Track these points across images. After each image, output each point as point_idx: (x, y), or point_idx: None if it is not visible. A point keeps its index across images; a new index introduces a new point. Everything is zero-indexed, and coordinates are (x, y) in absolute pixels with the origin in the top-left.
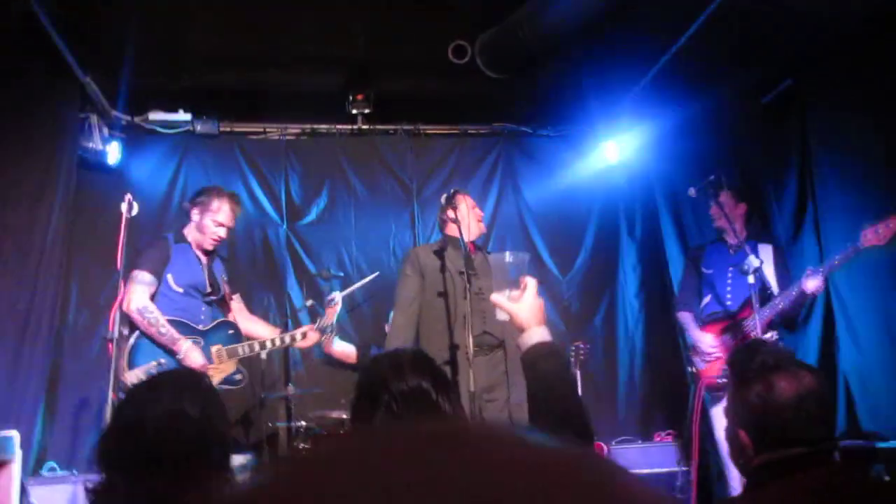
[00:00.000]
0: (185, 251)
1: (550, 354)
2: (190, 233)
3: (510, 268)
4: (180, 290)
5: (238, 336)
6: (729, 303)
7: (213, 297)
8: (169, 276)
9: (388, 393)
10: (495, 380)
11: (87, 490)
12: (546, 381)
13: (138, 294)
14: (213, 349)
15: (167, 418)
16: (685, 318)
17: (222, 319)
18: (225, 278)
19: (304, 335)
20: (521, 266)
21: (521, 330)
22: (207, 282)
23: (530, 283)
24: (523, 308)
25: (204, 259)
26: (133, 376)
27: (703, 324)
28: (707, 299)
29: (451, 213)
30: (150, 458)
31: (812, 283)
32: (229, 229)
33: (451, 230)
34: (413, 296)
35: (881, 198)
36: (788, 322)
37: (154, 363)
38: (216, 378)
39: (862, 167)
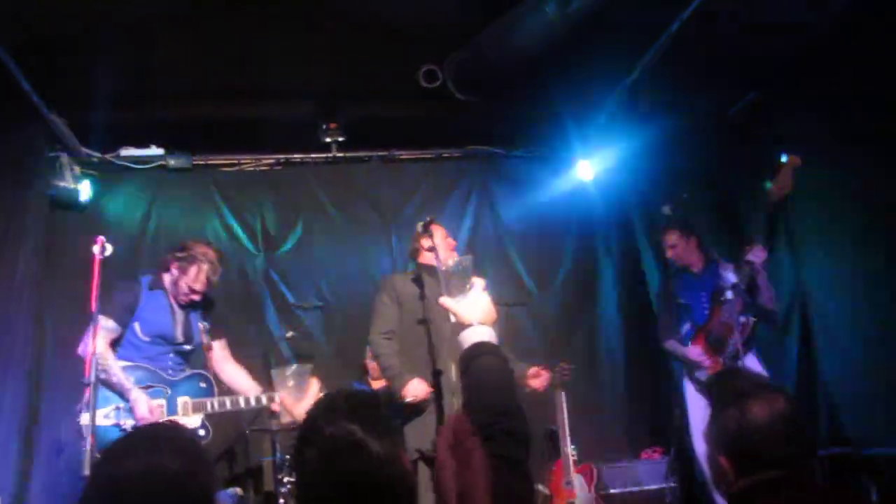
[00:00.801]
0: (158, 298)
1: (487, 353)
2: (167, 283)
3: (455, 273)
4: (147, 338)
5: (209, 390)
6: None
7: (185, 348)
8: (136, 325)
9: (319, 435)
10: None
11: None
12: (480, 379)
13: (98, 339)
14: (181, 401)
15: (146, 474)
16: (671, 345)
17: (196, 371)
18: (206, 326)
19: (274, 400)
20: (466, 270)
21: (464, 327)
22: (179, 332)
23: (477, 282)
24: (467, 306)
25: (179, 308)
26: (87, 419)
27: (686, 345)
28: (686, 326)
29: (426, 242)
30: None
31: (755, 254)
32: (207, 286)
33: (425, 258)
34: (393, 324)
35: (852, 204)
36: (764, 314)
37: (112, 407)
38: None
39: (831, 175)
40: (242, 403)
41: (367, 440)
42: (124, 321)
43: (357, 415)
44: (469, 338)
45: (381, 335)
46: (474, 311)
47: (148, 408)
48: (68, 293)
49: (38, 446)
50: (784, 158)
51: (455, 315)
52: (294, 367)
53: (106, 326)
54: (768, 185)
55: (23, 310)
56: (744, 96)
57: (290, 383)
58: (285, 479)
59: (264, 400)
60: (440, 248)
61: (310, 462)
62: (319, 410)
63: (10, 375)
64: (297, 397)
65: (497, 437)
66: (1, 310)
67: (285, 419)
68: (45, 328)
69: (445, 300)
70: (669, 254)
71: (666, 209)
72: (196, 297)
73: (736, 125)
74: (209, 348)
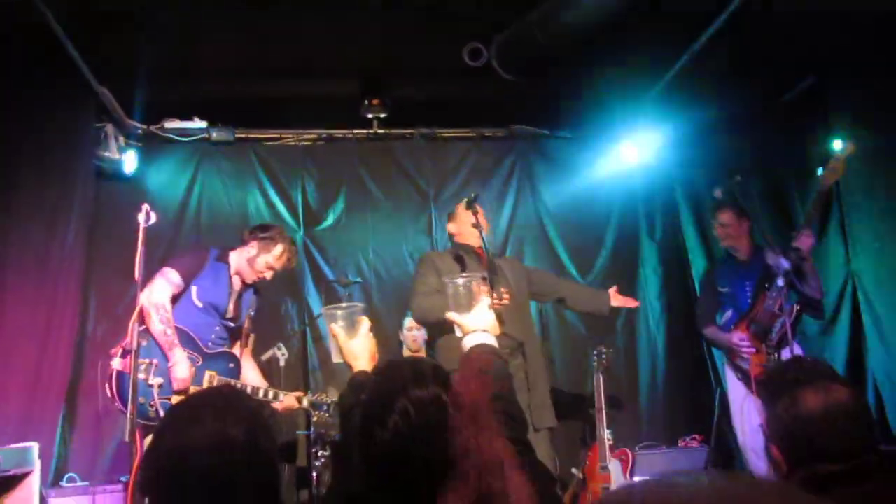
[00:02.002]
0: (220, 270)
1: (488, 353)
2: (235, 258)
3: (463, 290)
4: (200, 304)
5: (236, 372)
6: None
7: (231, 324)
8: (194, 289)
9: (406, 398)
10: (517, 384)
11: None
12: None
13: (162, 290)
14: (207, 374)
15: (211, 442)
16: (710, 331)
17: (229, 351)
18: (251, 313)
19: (278, 398)
20: (473, 290)
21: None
22: (231, 307)
23: (483, 300)
24: (472, 318)
25: (237, 285)
26: (118, 363)
27: (728, 331)
28: (728, 314)
29: (468, 219)
30: (194, 484)
31: (803, 241)
32: (275, 273)
33: (460, 238)
34: (435, 286)
35: None
36: (810, 303)
37: (147, 361)
38: None
39: (888, 165)
40: (261, 395)
41: (450, 407)
42: (188, 281)
43: (443, 383)
44: (471, 342)
45: (422, 295)
46: (478, 323)
47: (189, 371)
48: (111, 263)
49: (79, 412)
50: (838, 145)
51: (460, 327)
52: (344, 305)
53: (171, 279)
54: (820, 171)
55: (72, 279)
56: (800, 81)
57: (341, 323)
58: (319, 454)
59: (271, 395)
60: (478, 225)
61: (396, 420)
62: (406, 372)
63: (59, 344)
64: (349, 335)
65: (500, 420)
66: (51, 279)
67: (336, 359)
68: (89, 297)
69: (451, 314)
70: (719, 231)
71: (717, 192)
72: (268, 277)
73: (790, 111)
74: (248, 335)
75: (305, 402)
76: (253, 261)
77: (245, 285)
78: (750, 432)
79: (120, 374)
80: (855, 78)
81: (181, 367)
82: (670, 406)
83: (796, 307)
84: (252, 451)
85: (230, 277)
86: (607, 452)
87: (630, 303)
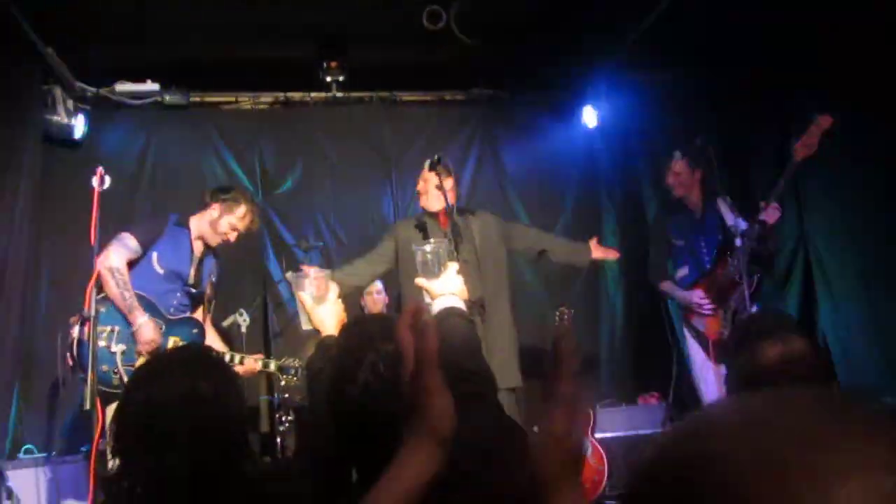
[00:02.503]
0: (181, 235)
1: (455, 315)
2: (197, 222)
3: (430, 256)
4: (161, 271)
5: (199, 337)
6: (709, 266)
7: (193, 290)
8: (154, 255)
9: (374, 352)
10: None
11: (101, 479)
12: (448, 333)
13: (117, 254)
14: (171, 339)
15: (180, 399)
16: (667, 286)
17: (192, 317)
18: (213, 279)
19: (241, 361)
20: (441, 255)
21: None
22: (192, 273)
23: (451, 266)
24: (440, 283)
25: (198, 251)
26: (79, 332)
27: (686, 289)
28: (685, 271)
29: (431, 181)
30: (164, 442)
31: (770, 214)
32: (239, 235)
33: (424, 200)
34: (381, 251)
35: (864, 159)
36: (764, 261)
37: (108, 328)
38: None
39: (847, 132)
40: (227, 359)
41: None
42: (146, 247)
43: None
44: (439, 306)
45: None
46: (446, 287)
47: (155, 332)
48: (64, 230)
49: (34, 383)
50: (814, 118)
51: (429, 292)
52: (311, 271)
53: (127, 245)
54: (793, 142)
55: (21, 248)
56: (765, 50)
57: (308, 289)
58: (283, 419)
59: (245, 360)
60: (440, 189)
61: (365, 376)
62: (373, 328)
63: (11, 314)
64: (317, 301)
65: (469, 378)
66: (1, 248)
67: (305, 325)
68: (41, 265)
69: (420, 280)
70: (671, 180)
71: (677, 154)
72: (232, 238)
73: (754, 79)
74: (209, 301)
75: (273, 367)
76: (216, 223)
77: (207, 250)
78: (710, 387)
79: (80, 342)
80: (821, 47)
81: (146, 328)
82: (629, 365)
83: (756, 277)
84: (221, 408)
85: (191, 242)
86: None
87: (611, 254)
